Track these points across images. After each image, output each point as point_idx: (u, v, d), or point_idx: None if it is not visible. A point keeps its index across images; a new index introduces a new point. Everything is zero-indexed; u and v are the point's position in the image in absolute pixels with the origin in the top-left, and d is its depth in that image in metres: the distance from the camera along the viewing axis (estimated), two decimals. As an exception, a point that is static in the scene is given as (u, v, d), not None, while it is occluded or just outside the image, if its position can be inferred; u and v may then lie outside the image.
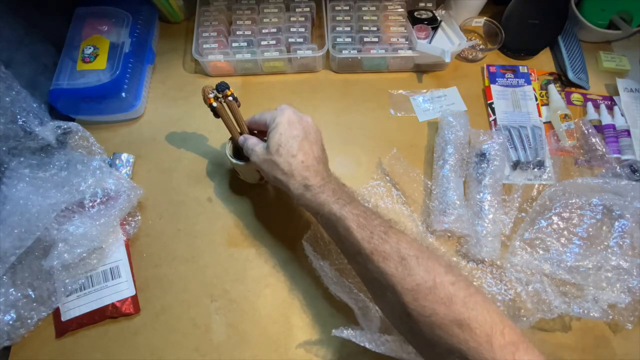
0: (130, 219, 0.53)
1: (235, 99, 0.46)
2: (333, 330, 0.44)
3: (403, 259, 0.34)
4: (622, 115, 0.62)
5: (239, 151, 0.50)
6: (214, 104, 0.45)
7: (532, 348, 0.31)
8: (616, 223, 0.51)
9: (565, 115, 0.60)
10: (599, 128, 0.61)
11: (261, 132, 0.49)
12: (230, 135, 0.49)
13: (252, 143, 0.45)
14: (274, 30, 0.64)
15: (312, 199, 0.40)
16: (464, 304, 0.32)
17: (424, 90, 0.65)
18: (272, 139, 0.42)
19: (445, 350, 0.32)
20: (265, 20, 0.65)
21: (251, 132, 0.50)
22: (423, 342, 0.34)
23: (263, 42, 0.62)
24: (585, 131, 0.60)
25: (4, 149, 0.49)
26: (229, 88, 0.45)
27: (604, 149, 0.58)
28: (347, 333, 0.43)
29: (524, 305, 0.48)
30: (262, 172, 0.44)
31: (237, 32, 0.64)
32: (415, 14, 0.65)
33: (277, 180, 0.42)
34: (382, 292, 0.36)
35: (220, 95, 0.45)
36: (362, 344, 0.43)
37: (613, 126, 0.61)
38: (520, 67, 0.66)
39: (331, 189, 0.41)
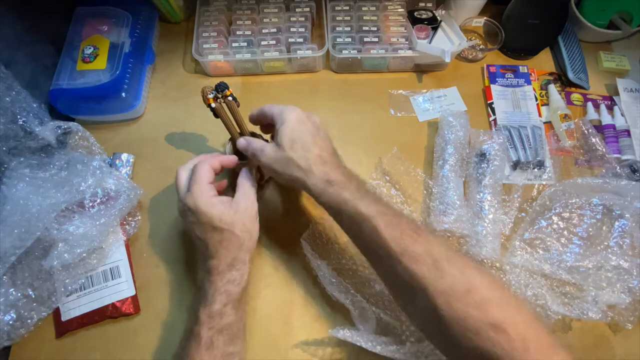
0: (130, 219, 0.53)
1: (234, 99, 0.46)
2: (329, 330, 0.44)
3: (436, 260, 0.33)
4: (622, 115, 0.62)
5: (239, 151, 0.50)
6: (213, 105, 0.45)
7: (565, 352, 0.30)
8: (616, 223, 0.51)
9: (565, 115, 0.60)
10: (599, 128, 0.61)
11: (266, 129, 0.49)
12: (230, 136, 0.49)
13: (260, 144, 0.43)
14: (274, 30, 0.64)
15: (335, 196, 0.38)
16: (499, 306, 0.31)
17: (424, 90, 0.65)
18: (283, 135, 0.40)
19: (476, 353, 0.31)
20: (265, 20, 0.65)
21: (251, 134, 0.49)
22: (452, 346, 0.33)
23: (263, 42, 0.62)
24: (585, 131, 0.60)
25: (4, 149, 0.49)
26: (228, 88, 0.45)
27: (604, 149, 0.58)
28: (344, 333, 0.43)
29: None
30: (274, 172, 0.42)
31: (237, 32, 0.64)
32: (415, 14, 0.65)
33: (294, 178, 0.40)
34: (410, 296, 0.34)
35: (219, 96, 0.45)
36: (358, 344, 0.43)
37: (613, 126, 0.61)
38: (520, 67, 0.66)
39: (354, 185, 0.38)
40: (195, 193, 0.41)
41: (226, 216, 0.41)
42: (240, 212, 0.41)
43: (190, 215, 0.41)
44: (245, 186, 0.44)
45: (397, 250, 0.34)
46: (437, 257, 0.33)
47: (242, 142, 0.46)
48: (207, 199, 0.41)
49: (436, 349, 0.38)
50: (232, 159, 0.47)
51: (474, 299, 0.31)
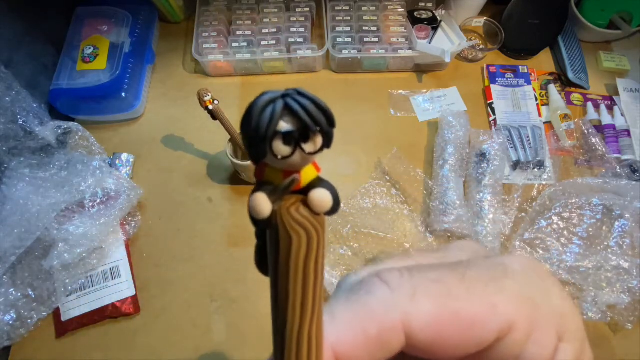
0: (130, 219, 0.53)
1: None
2: None
3: None
4: (622, 115, 0.62)
5: (239, 151, 0.50)
6: (211, 107, 0.44)
7: None
8: (616, 223, 0.51)
9: (565, 115, 0.60)
10: (599, 128, 0.61)
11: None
12: (229, 137, 0.49)
13: None
14: (274, 30, 0.64)
15: None
16: None
17: (424, 90, 0.65)
18: None
19: None
20: (265, 20, 0.65)
21: None
22: None
23: (263, 42, 0.62)
24: (585, 131, 0.59)
25: (4, 149, 0.49)
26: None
27: (604, 149, 0.58)
28: None
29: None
30: None
31: (237, 32, 0.64)
32: (415, 14, 0.65)
33: None
34: None
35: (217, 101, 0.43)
36: None
37: (613, 126, 0.61)
38: (520, 67, 0.66)
39: None
40: None
41: None
42: None
43: None
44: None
45: None
46: None
47: None
48: None
49: None
50: None
51: None
